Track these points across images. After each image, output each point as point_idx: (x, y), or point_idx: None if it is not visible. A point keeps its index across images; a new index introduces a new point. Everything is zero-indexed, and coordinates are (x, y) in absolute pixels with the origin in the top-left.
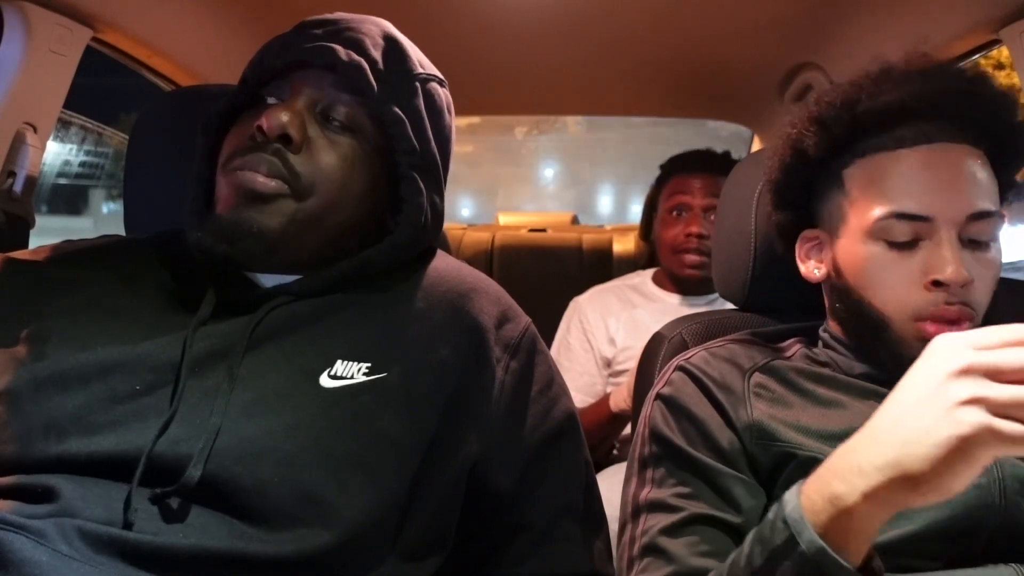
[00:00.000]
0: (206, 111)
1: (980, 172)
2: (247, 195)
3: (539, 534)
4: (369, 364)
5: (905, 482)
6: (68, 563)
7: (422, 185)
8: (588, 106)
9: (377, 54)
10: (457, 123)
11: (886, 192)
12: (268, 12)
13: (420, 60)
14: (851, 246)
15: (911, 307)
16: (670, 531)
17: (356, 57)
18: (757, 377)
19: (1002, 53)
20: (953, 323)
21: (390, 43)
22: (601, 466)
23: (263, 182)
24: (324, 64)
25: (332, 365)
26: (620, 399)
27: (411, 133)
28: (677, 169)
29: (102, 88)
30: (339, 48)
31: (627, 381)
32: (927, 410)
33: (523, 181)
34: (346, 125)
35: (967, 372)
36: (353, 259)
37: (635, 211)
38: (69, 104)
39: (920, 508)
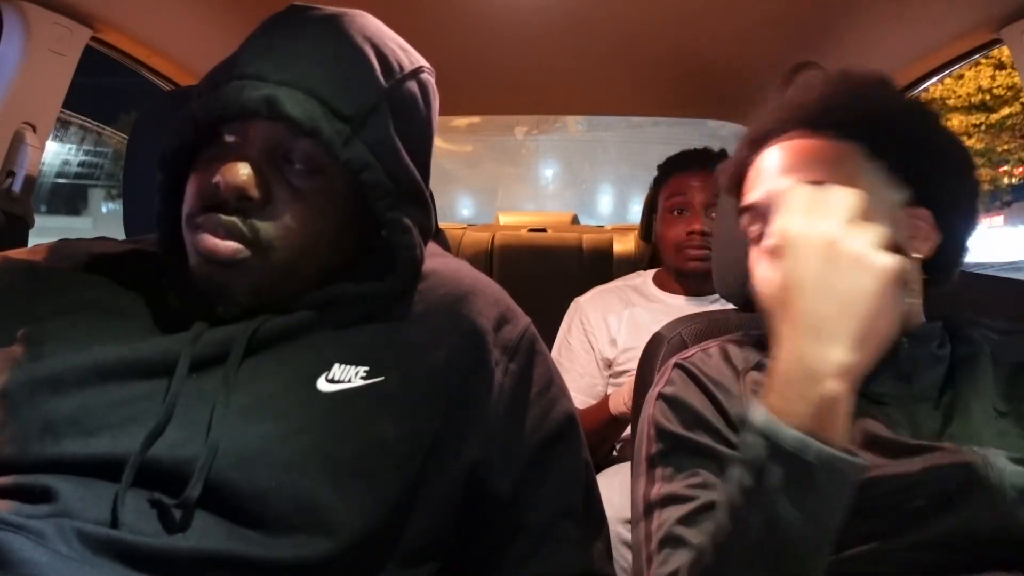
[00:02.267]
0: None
1: (831, 155)
2: (209, 259)
3: (539, 536)
4: (367, 368)
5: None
6: (67, 563)
7: (409, 223)
8: (588, 106)
9: (327, 83)
10: (457, 123)
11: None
12: (268, 11)
13: (385, 61)
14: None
15: None
16: (686, 520)
17: (303, 103)
18: (753, 376)
19: (1002, 53)
20: None
21: (343, 60)
22: (601, 467)
23: (223, 246)
24: (272, 116)
25: (330, 369)
26: (619, 401)
27: (382, 173)
28: (675, 168)
29: (102, 88)
30: (284, 97)
31: (627, 383)
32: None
33: (523, 181)
34: (310, 168)
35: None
36: (351, 284)
37: (635, 211)
38: (69, 104)
39: (918, 517)
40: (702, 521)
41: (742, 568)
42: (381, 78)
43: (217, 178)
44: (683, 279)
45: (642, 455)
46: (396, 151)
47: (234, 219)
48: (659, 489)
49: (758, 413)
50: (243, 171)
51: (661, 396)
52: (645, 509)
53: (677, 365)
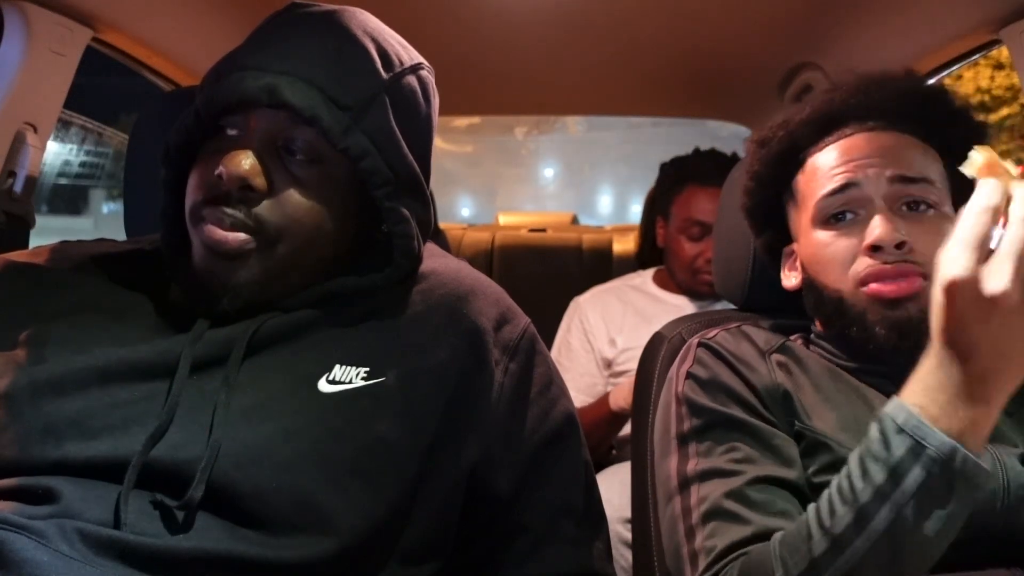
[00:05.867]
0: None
1: (906, 147)
2: (214, 252)
3: (539, 536)
4: (367, 369)
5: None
6: (69, 563)
7: (407, 212)
8: (588, 106)
9: (327, 73)
10: (457, 123)
11: (819, 181)
12: (268, 11)
13: (385, 55)
14: (806, 240)
15: (854, 275)
16: (735, 495)
17: (303, 91)
18: (777, 356)
19: (1002, 53)
20: (895, 278)
21: (343, 52)
22: (601, 466)
23: (228, 238)
24: (272, 104)
25: (330, 370)
26: (619, 398)
27: (382, 162)
28: (691, 179)
29: (102, 88)
30: (284, 85)
31: (627, 380)
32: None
33: (523, 181)
34: (311, 158)
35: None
36: (351, 278)
37: (635, 211)
38: (69, 104)
39: None
40: (753, 495)
41: (854, 561)
42: (381, 70)
43: (219, 169)
44: (691, 290)
45: (671, 433)
46: (396, 142)
47: (238, 211)
48: (696, 464)
49: (900, 410)
50: (245, 161)
51: (690, 375)
52: (680, 484)
53: (701, 344)
